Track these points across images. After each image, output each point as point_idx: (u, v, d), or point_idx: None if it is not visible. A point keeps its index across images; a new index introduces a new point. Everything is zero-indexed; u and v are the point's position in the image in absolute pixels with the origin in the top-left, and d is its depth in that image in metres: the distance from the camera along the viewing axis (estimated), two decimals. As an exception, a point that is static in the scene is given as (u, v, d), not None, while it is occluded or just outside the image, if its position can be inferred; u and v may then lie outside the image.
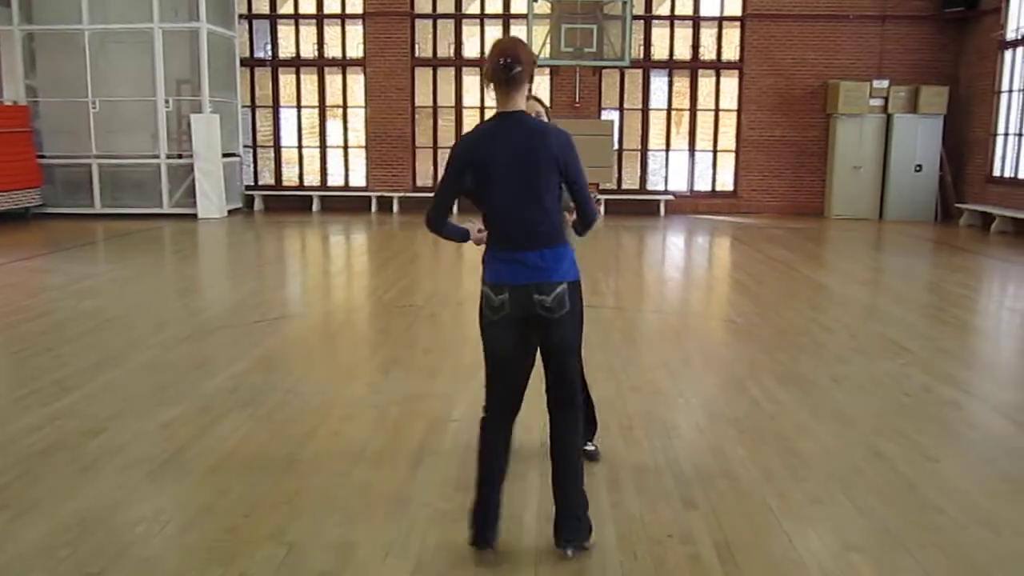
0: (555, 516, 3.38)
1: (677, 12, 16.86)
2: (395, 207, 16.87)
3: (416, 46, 16.99)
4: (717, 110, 17.13)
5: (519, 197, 3.24)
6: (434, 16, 16.97)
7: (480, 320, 3.38)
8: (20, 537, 3.45)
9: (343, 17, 17.09)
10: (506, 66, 3.21)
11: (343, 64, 17.23)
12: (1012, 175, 14.77)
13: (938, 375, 5.91)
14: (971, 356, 6.84)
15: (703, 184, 17.37)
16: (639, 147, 17.26)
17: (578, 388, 3.45)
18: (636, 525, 3.59)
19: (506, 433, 3.43)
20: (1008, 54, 14.95)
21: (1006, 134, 15.01)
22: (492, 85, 3.28)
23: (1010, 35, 14.82)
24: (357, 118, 17.43)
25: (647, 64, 16.94)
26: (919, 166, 16.11)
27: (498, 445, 3.40)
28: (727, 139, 17.19)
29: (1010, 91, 14.91)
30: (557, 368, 3.38)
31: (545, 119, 3.76)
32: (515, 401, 3.43)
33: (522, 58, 3.25)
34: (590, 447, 4.26)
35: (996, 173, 15.25)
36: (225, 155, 15.77)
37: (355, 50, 17.13)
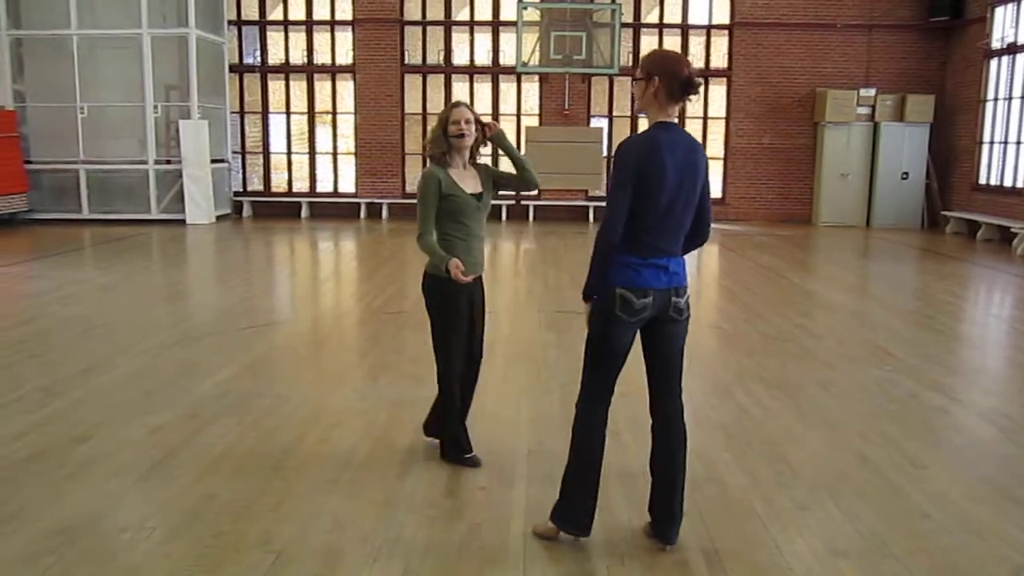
0: (662, 515, 3.49)
1: (666, 20, 16.95)
2: (384, 213, 16.86)
3: (406, 53, 17.01)
4: (705, 118, 17.20)
5: (679, 206, 3.33)
6: (423, 23, 16.99)
7: (601, 319, 3.39)
8: (5, 545, 3.42)
9: (332, 24, 17.09)
10: (698, 82, 3.35)
11: (332, 70, 17.23)
12: (998, 183, 14.89)
13: (924, 381, 5.94)
14: (957, 362, 6.88)
15: (692, 191, 17.39)
16: (628, 154, 17.26)
17: (681, 389, 3.57)
18: (624, 531, 3.59)
19: (606, 420, 3.57)
20: (993, 63, 15.08)
21: (991, 142, 15.13)
22: (668, 96, 3.33)
23: (995, 44, 14.95)
24: (346, 124, 17.43)
25: (636, 71, 16.95)
26: (906, 174, 16.22)
27: (603, 431, 3.54)
28: (715, 147, 17.25)
29: (995, 100, 15.04)
30: (674, 370, 3.52)
31: (471, 127, 4.12)
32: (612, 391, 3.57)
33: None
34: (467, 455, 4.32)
35: (982, 181, 15.36)
36: (214, 161, 15.74)
37: (344, 57, 17.14)
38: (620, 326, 3.37)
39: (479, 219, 4.20)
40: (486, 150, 4.49)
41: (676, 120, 3.39)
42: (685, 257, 3.49)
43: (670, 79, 3.31)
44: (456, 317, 4.17)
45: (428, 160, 4.20)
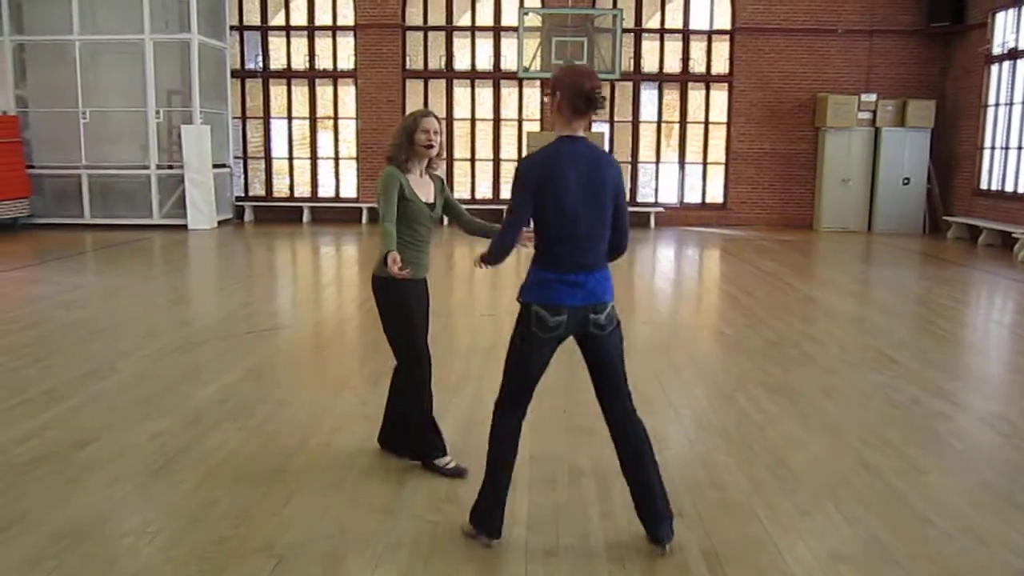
0: (650, 514, 3.51)
1: (667, 25, 16.97)
2: (386, 218, 16.85)
3: (407, 58, 17.04)
4: (707, 123, 17.22)
5: (597, 220, 3.37)
6: (425, 28, 17.03)
7: (519, 333, 3.47)
8: (7, 549, 3.43)
9: (334, 29, 17.13)
10: (599, 95, 3.35)
11: (334, 76, 17.26)
12: (999, 188, 14.89)
13: (926, 387, 5.94)
14: (959, 368, 6.88)
15: (693, 196, 17.44)
16: (629, 159, 17.33)
17: (626, 385, 3.60)
18: (625, 535, 3.60)
19: (520, 427, 3.61)
20: (994, 68, 15.09)
21: (992, 147, 15.13)
22: (572, 111, 3.36)
23: (996, 49, 14.96)
24: (348, 129, 17.45)
25: (637, 77, 17.02)
26: (907, 179, 16.23)
27: (516, 438, 3.58)
28: (717, 152, 17.28)
29: (996, 105, 15.04)
30: (609, 375, 3.56)
31: (439, 138, 4.11)
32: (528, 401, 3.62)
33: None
34: (449, 464, 4.25)
35: (983, 186, 15.36)
36: (215, 166, 15.76)
37: (346, 62, 17.16)
38: (536, 342, 3.43)
39: (430, 227, 4.21)
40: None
41: (583, 133, 3.42)
42: (610, 271, 3.50)
43: (573, 94, 3.35)
44: (410, 310, 4.17)
45: (388, 162, 4.16)
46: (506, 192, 17.10)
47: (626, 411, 3.57)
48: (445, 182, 4.42)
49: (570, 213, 3.31)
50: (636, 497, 3.53)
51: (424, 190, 4.16)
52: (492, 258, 3.60)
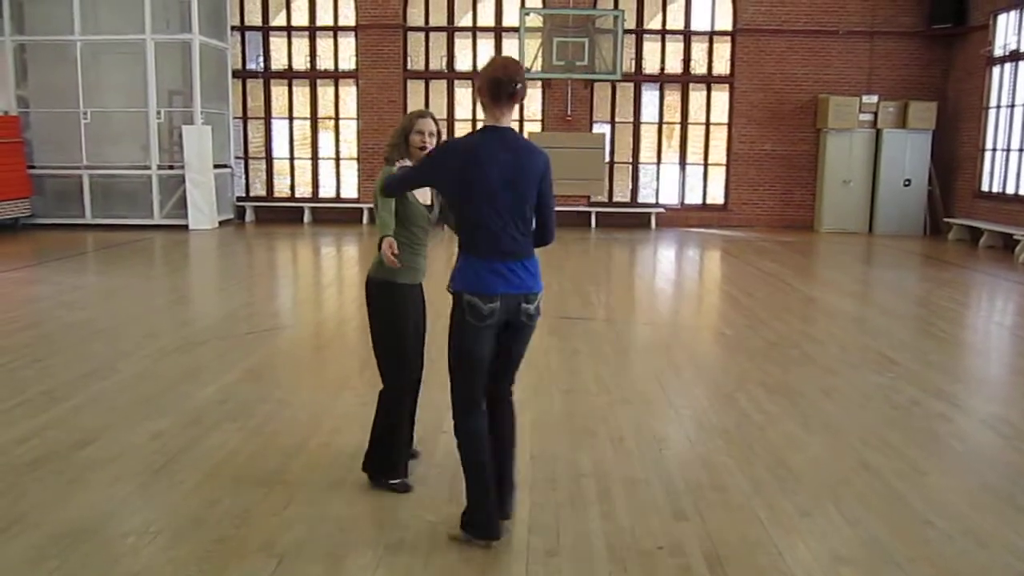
0: (505, 489, 3.62)
1: (668, 26, 16.96)
2: (386, 219, 16.84)
3: (408, 59, 17.04)
4: (708, 124, 17.21)
5: (515, 209, 3.39)
6: (426, 29, 17.03)
7: (455, 325, 3.48)
8: (8, 549, 3.43)
9: (335, 29, 17.13)
10: (512, 83, 3.37)
11: (335, 76, 17.26)
12: (1000, 190, 14.88)
13: (927, 388, 5.94)
14: (959, 369, 6.87)
15: (694, 197, 17.44)
16: (630, 160, 17.33)
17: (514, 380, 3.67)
18: (626, 536, 3.60)
19: (483, 425, 3.59)
20: (996, 70, 15.08)
21: (994, 149, 15.12)
22: (490, 99, 3.40)
23: (998, 51, 14.96)
24: (349, 130, 17.45)
25: (638, 78, 17.02)
26: (908, 181, 16.22)
27: (484, 437, 3.56)
28: (718, 153, 17.27)
29: (998, 107, 15.04)
30: (513, 366, 3.63)
31: (434, 140, 4.00)
32: (479, 398, 3.60)
33: (522, 77, 3.43)
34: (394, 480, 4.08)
35: (984, 188, 15.36)
36: (216, 166, 15.76)
37: (347, 62, 17.17)
38: (471, 331, 3.44)
39: (428, 229, 4.11)
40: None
41: (510, 124, 3.49)
42: (538, 260, 3.53)
43: (491, 85, 3.39)
44: (404, 317, 4.03)
45: (385, 162, 4.10)
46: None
47: (504, 395, 3.65)
48: None
49: (492, 202, 3.36)
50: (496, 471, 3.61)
51: (422, 192, 4.06)
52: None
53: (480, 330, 3.42)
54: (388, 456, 4.06)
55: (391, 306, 4.05)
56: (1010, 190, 14.58)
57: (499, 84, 3.36)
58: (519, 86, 3.39)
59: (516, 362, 3.65)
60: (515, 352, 3.59)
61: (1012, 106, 14.62)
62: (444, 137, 4.11)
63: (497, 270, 3.38)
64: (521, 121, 17.15)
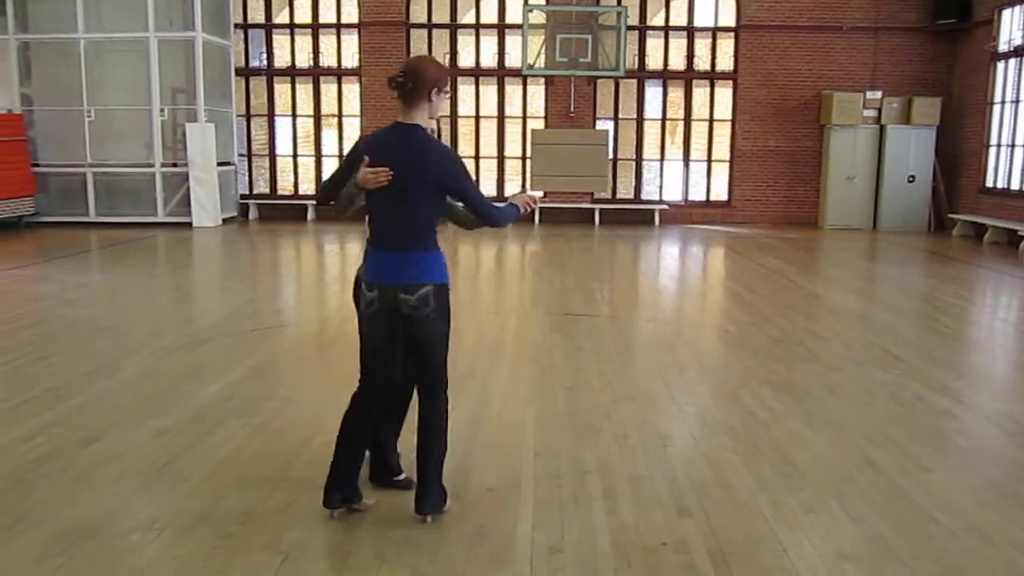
0: (417, 488, 3.69)
1: (672, 23, 16.92)
2: (390, 216, 16.85)
3: (411, 56, 17.01)
4: (711, 120, 17.19)
5: (398, 203, 3.50)
6: (429, 26, 17.02)
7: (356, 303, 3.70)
8: (14, 546, 3.44)
9: (338, 27, 17.13)
10: (399, 83, 3.50)
11: (338, 73, 17.26)
12: (1004, 186, 14.85)
13: (931, 385, 5.93)
14: (964, 366, 6.86)
15: (697, 194, 17.42)
16: (634, 157, 17.32)
17: (440, 376, 3.65)
18: (631, 533, 3.60)
19: (371, 422, 3.74)
20: (1000, 65, 15.04)
21: (998, 145, 15.09)
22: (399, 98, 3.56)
23: (1002, 47, 14.92)
24: (352, 127, 17.45)
25: (642, 74, 17.00)
26: (912, 177, 16.19)
27: (354, 418, 3.71)
28: (721, 149, 17.24)
29: (1002, 102, 15.00)
30: (418, 360, 3.66)
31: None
32: (386, 391, 3.72)
33: (419, 76, 3.49)
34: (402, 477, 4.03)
35: (989, 184, 15.32)
36: (220, 164, 15.77)
37: (350, 60, 17.17)
38: (361, 316, 3.64)
39: None
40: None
41: (421, 122, 3.55)
42: (430, 255, 3.55)
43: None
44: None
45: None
46: (510, 190, 17.16)
47: (425, 397, 3.67)
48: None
49: (379, 193, 3.48)
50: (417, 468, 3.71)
51: None
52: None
53: (367, 316, 3.60)
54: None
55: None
56: (1015, 186, 14.55)
57: (390, 80, 3.52)
58: (395, 81, 3.50)
59: (421, 356, 3.60)
60: (415, 343, 3.59)
61: (1016, 102, 14.58)
62: (439, 134, 4.14)
63: (378, 260, 3.55)
64: (524, 118, 17.15)
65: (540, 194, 3.78)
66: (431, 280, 3.53)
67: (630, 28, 16.39)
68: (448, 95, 3.66)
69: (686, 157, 17.30)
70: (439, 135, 4.07)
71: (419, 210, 3.52)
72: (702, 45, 17.00)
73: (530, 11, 16.06)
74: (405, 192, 3.48)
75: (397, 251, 3.53)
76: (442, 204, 3.62)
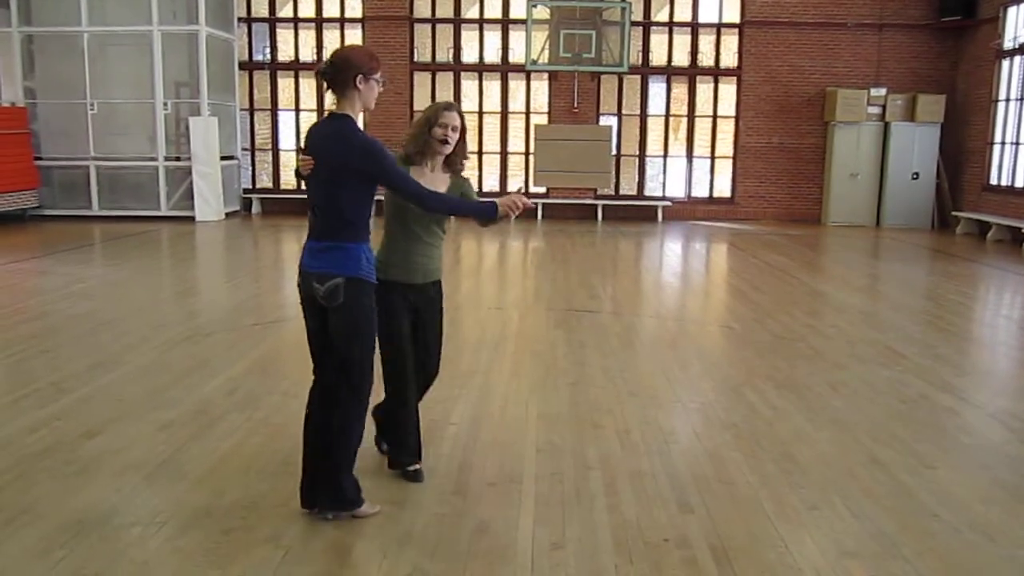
0: (303, 480, 3.68)
1: (676, 19, 16.90)
2: (393, 211, 16.83)
3: (415, 51, 17.02)
4: (715, 116, 17.17)
5: (323, 192, 3.53)
6: (433, 21, 16.99)
7: None
8: (17, 539, 3.44)
9: (342, 21, 17.11)
10: (321, 72, 3.56)
11: (342, 68, 17.21)
12: (1009, 184, 14.82)
13: (935, 382, 5.92)
14: (968, 363, 6.85)
15: (701, 190, 17.40)
16: (637, 153, 17.30)
17: (353, 374, 3.56)
18: (632, 529, 3.59)
19: (315, 407, 3.69)
20: (1005, 63, 15.00)
21: (1003, 143, 15.06)
22: None
23: (1007, 44, 14.88)
24: (355, 122, 17.42)
25: (645, 70, 16.97)
26: (916, 174, 16.16)
27: (308, 407, 3.72)
28: (725, 145, 17.23)
29: (1007, 100, 14.97)
30: (333, 352, 3.59)
31: (456, 135, 3.91)
32: (321, 376, 3.68)
33: (342, 65, 3.52)
34: (414, 467, 4.06)
35: (993, 182, 15.29)
36: (223, 158, 15.77)
37: (354, 54, 17.13)
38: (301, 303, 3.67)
39: (426, 226, 3.96)
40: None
41: (349, 111, 3.55)
42: (350, 246, 3.52)
43: None
44: (382, 319, 3.75)
45: (403, 152, 3.98)
46: (513, 186, 17.15)
47: (327, 390, 3.62)
48: (471, 187, 4.11)
49: (309, 183, 3.57)
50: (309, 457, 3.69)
51: (430, 187, 3.79)
52: None
53: (301, 303, 3.64)
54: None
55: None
56: (1019, 184, 14.52)
57: (316, 72, 3.60)
58: (319, 72, 3.57)
59: (337, 346, 3.55)
60: (329, 334, 3.56)
61: (1021, 99, 14.55)
62: (466, 132, 4.02)
63: (306, 247, 3.60)
64: (528, 113, 17.14)
65: (529, 201, 3.63)
66: (342, 272, 3.48)
67: (634, 24, 16.36)
68: (380, 83, 3.58)
69: (689, 153, 17.28)
70: (463, 132, 3.93)
71: (340, 198, 3.49)
72: (706, 41, 16.97)
73: (534, 6, 16.03)
74: (328, 182, 3.50)
75: (319, 239, 3.55)
76: (369, 195, 3.56)
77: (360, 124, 3.62)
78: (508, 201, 3.64)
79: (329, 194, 3.51)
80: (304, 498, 3.66)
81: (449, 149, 3.95)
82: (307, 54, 17.24)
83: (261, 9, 17.21)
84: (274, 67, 17.35)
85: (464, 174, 4.14)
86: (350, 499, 3.62)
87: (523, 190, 3.77)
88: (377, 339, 3.72)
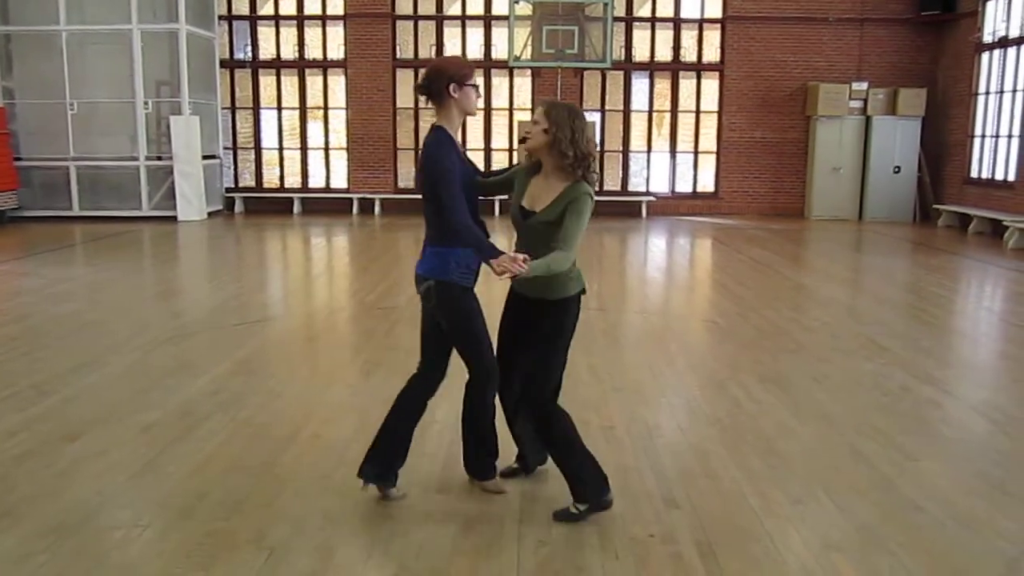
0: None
1: (658, 14, 16.92)
2: (377, 208, 16.81)
3: (397, 47, 16.96)
4: (698, 112, 17.20)
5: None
6: (415, 18, 16.94)
7: None
8: (-4, 543, 3.41)
9: (324, 18, 17.03)
10: (419, 88, 3.67)
11: (324, 65, 17.17)
12: (989, 176, 14.92)
13: (917, 374, 5.95)
14: (950, 355, 6.90)
15: (684, 185, 17.43)
16: (620, 148, 17.31)
17: (472, 364, 3.77)
18: (618, 525, 3.59)
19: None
20: (985, 56, 15.10)
21: (983, 136, 15.16)
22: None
23: (987, 38, 14.97)
24: (338, 120, 17.38)
25: (628, 66, 16.98)
26: (898, 168, 16.25)
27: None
28: (708, 140, 17.26)
29: (987, 93, 15.07)
30: (424, 338, 3.90)
31: (538, 138, 3.54)
32: (432, 376, 3.91)
33: (434, 75, 3.61)
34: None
35: (973, 175, 15.40)
36: (205, 157, 15.67)
37: (336, 51, 17.08)
38: None
39: (522, 235, 3.71)
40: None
41: (443, 122, 3.65)
42: (439, 250, 3.63)
43: None
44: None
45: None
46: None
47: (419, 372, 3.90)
48: (581, 195, 3.70)
49: None
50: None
51: (541, 194, 3.63)
52: None
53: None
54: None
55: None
56: (999, 176, 14.62)
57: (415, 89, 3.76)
58: (418, 88, 3.70)
59: (424, 336, 3.86)
60: (444, 331, 3.76)
61: (1001, 92, 14.65)
62: (558, 130, 3.57)
63: None
64: (511, 110, 17.13)
65: (525, 270, 3.51)
66: (431, 275, 3.64)
67: (617, 19, 16.37)
68: (475, 87, 3.66)
69: (673, 149, 17.31)
70: (555, 127, 3.51)
71: (428, 208, 3.62)
72: (689, 36, 17.00)
73: (516, 2, 15.99)
74: (422, 190, 3.62)
75: (425, 244, 3.71)
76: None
77: (457, 132, 3.71)
78: (504, 263, 3.34)
79: (424, 202, 3.63)
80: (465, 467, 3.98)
81: (531, 144, 3.58)
82: (288, 52, 17.16)
83: (242, 7, 17.11)
84: (256, 65, 17.26)
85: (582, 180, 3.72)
86: (479, 471, 3.93)
87: (528, 260, 3.62)
88: (556, 351, 3.69)
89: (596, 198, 3.69)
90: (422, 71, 3.68)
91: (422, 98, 3.70)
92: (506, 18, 16.13)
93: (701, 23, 16.89)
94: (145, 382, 5.62)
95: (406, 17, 16.94)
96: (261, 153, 17.64)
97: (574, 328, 3.72)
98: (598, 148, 16.74)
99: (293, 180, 17.66)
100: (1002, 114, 14.61)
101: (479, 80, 3.51)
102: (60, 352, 6.39)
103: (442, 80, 3.56)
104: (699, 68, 17.02)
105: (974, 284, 10.55)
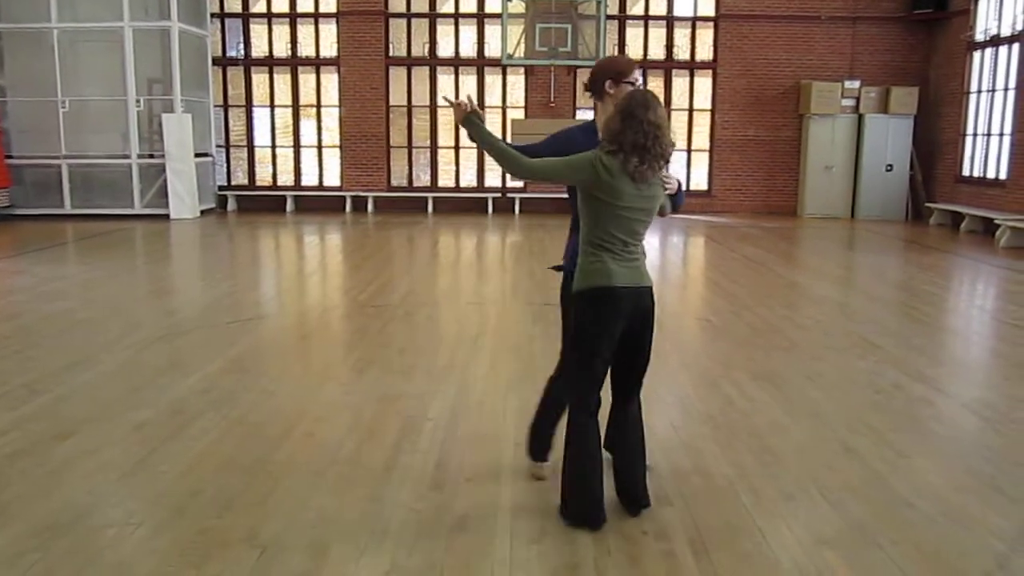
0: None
1: (651, 12, 16.94)
2: (370, 207, 16.80)
3: (390, 45, 16.94)
4: (691, 110, 17.23)
5: None
6: (408, 15, 16.93)
7: None
8: (-12, 542, 3.39)
9: (316, 16, 17.00)
10: (586, 87, 3.86)
11: (317, 63, 17.14)
12: (981, 175, 14.98)
13: (909, 372, 5.97)
14: (941, 353, 6.92)
15: (678, 184, 17.41)
16: (614, 147, 17.28)
17: (567, 365, 3.78)
18: (611, 522, 3.59)
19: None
20: (977, 55, 15.15)
21: (975, 134, 15.21)
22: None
23: (979, 36, 15.02)
24: (331, 118, 17.35)
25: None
26: (890, 166, 16.29)
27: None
28: (701, 139, 17.29)
29: (979, 92, 15.12)
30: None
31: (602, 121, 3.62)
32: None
33: (594, 75, 3.79)
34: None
35: (965, 173, 15.45)
36: (197, 155, 15.64)
37: (329, 49, 17.05)
38: None
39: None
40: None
41: (597, 116, 3.82)
42: (576, 247, 3.66)
43: None
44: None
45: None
46: (491, 180, 17.14)
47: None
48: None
49: None
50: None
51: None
52: None
53: None
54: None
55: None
56: (991, 175, 14.68)
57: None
58: (585, 85, 3.85)
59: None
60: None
61: (993, 91, 14.70)
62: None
63: None
64: (504, 108, 17.13)
65: (463, 101, 3.42)
66: (566, 266, 3.73)
67: (610, 17, 16.38)
68: (632, 83, 3.67)
69: (666, 147, 17.28)
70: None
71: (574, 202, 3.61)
72: (682, 35, 17.02)
73: (510, 0, 16.00)
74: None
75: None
76: (577, 195, 3.54)
77: None
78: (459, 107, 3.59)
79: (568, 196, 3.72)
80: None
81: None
82: (281, 49, 17.13)
83: (234, 4, 17.07)
84: (248, 63, 17.22)
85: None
86: (528, 450, 4.03)
87: (472, 106, 3.51)
88: (575, 350, 3.65)
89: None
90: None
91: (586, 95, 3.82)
92: (499, 16, 16.14)
93: (694, 21, 16.91)
94: (137, 380, 5.61)
95: (399, 15, 16.93)
96: (254, 151, 17.61)
97: (601, 335, 3.46)
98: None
99: (286, 178, 17.63)
100: (994, 112, 14.66)
101: (637, 75, 3.51)
102: (52, 350, 6.37)
103: (601, 78, 3.70)
104: (692, 66, 17.04)
105: (966, 282, 10.59)
